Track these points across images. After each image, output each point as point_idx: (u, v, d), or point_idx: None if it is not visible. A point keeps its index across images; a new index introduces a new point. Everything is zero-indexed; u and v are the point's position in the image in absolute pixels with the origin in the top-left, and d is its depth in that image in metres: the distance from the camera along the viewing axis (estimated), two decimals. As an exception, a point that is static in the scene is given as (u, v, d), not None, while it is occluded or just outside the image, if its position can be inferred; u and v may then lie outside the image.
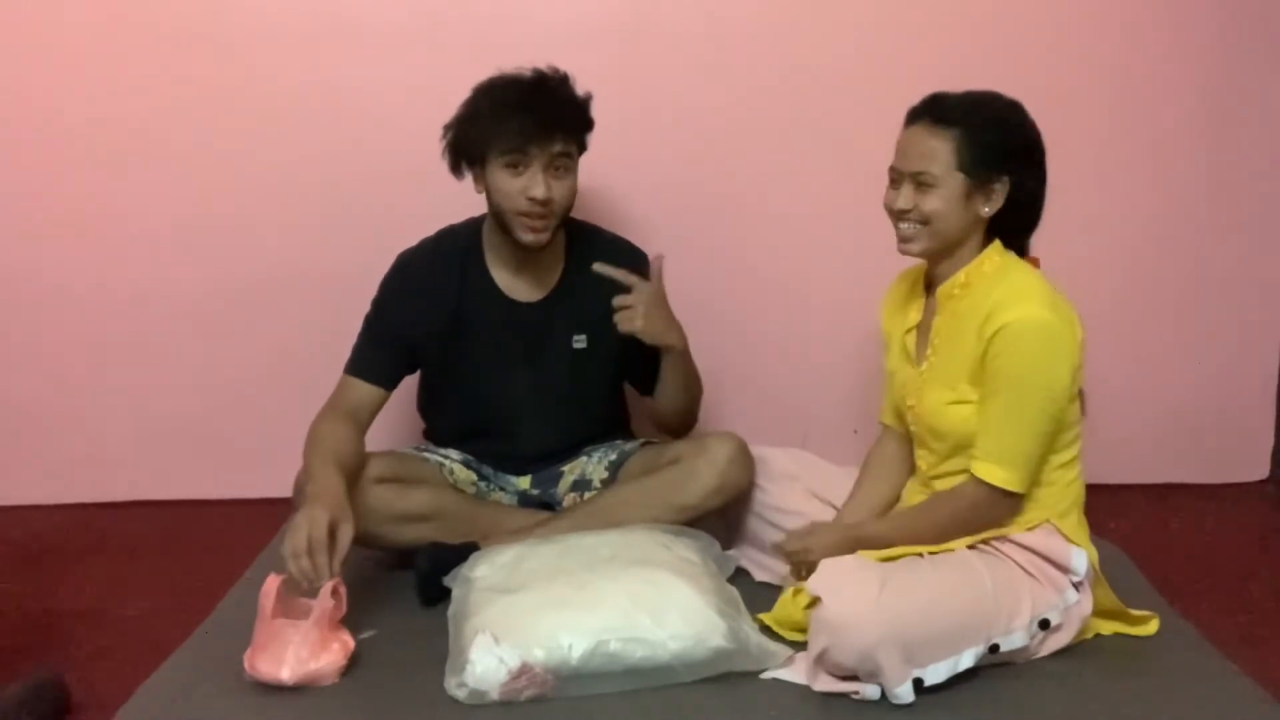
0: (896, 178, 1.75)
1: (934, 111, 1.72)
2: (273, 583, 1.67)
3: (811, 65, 2.54)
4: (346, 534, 1.72)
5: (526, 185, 1.92)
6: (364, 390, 2.03)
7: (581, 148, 2.00)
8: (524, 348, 2.08)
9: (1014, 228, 1.77)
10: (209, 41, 2.49)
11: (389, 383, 2.06)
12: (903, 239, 1.76)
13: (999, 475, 1.69)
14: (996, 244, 1.76)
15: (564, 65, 2.34)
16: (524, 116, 1.90)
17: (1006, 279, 1.72)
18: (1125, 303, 2.64)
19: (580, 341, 2.10)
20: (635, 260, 2.12)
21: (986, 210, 1.72)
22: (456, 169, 2.00)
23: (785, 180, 2.56)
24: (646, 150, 2.53)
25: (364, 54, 2.49)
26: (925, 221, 1.72)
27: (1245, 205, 2.64)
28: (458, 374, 2.10)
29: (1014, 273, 1.73)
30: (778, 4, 2.52)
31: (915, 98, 2.50)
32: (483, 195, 2.00)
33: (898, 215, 1.75)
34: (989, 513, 1.73)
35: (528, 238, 1.97)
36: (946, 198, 1.70)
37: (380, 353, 2.06)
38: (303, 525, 1.69)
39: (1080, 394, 1.78)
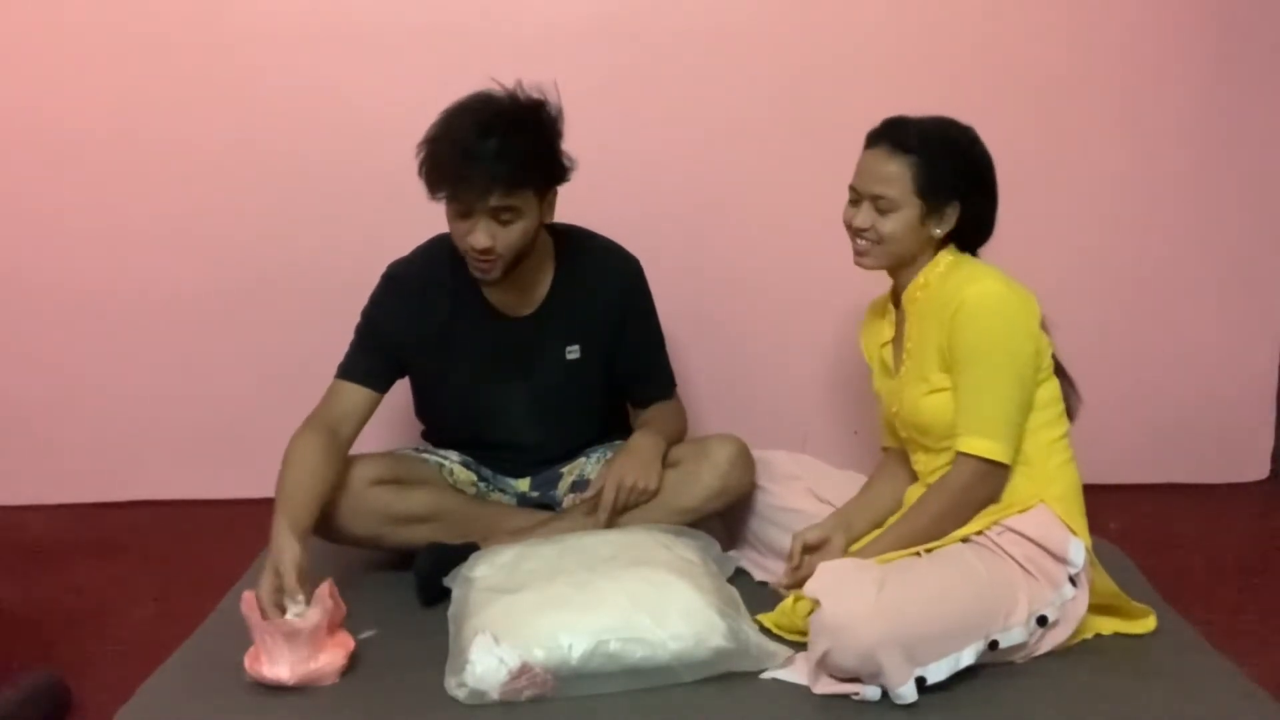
0: (855, 197, 1.83)
1: (893, 137, 1.80)
2: (250, 596, 1.66)
3: (810, 68, 2.54)
4: (325, 591, 1.68)
5: (468, 231, 1.88)
6: (355, 394, 2.01)
7: (542, 190, 1.92)
8: (517, 363, 2.07)
9: (965, 242, 1.85)
10: (209, 43, 2.49)
11: (380, 386, 2.04)
12: (858, 253, 1.85)
13: (983, 446, 1.72)
14: (950, 248, 1.84)
15: (561, 66, 2.34)
16: (463, 169, 1.83)
17: (960, 270, 1.80)
18: (1125, 302, 2.64)
19: (574, 352, 2.08)
20: (625, 266, 2.12)
21: (939, 231, 1.81)
22: (431, 193, 1.94)
23: (785, 181, 2.56)
24: (644, 152, 2.53)
25: (363, 55, 2.49)
26: (880, 241, 1.80)
27: (1244, 205, 2.64)
28: (451, 387, 2.09)
29: (965, 264, 1.82)
30: (773, 7, 2.53)
31: (913, 101, 2.50)
32: None
33: (855, 232, 1.84)
34: (981, 489, 1.75)
35: (476, 275, 1.95)
36: (903, 220, 1.78)
37: (372, 358, 2.04)
38: (266, 604, 1.68)
39: (1069, 380, 1.83)
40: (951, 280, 1.78)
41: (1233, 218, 2.65)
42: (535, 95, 1.92)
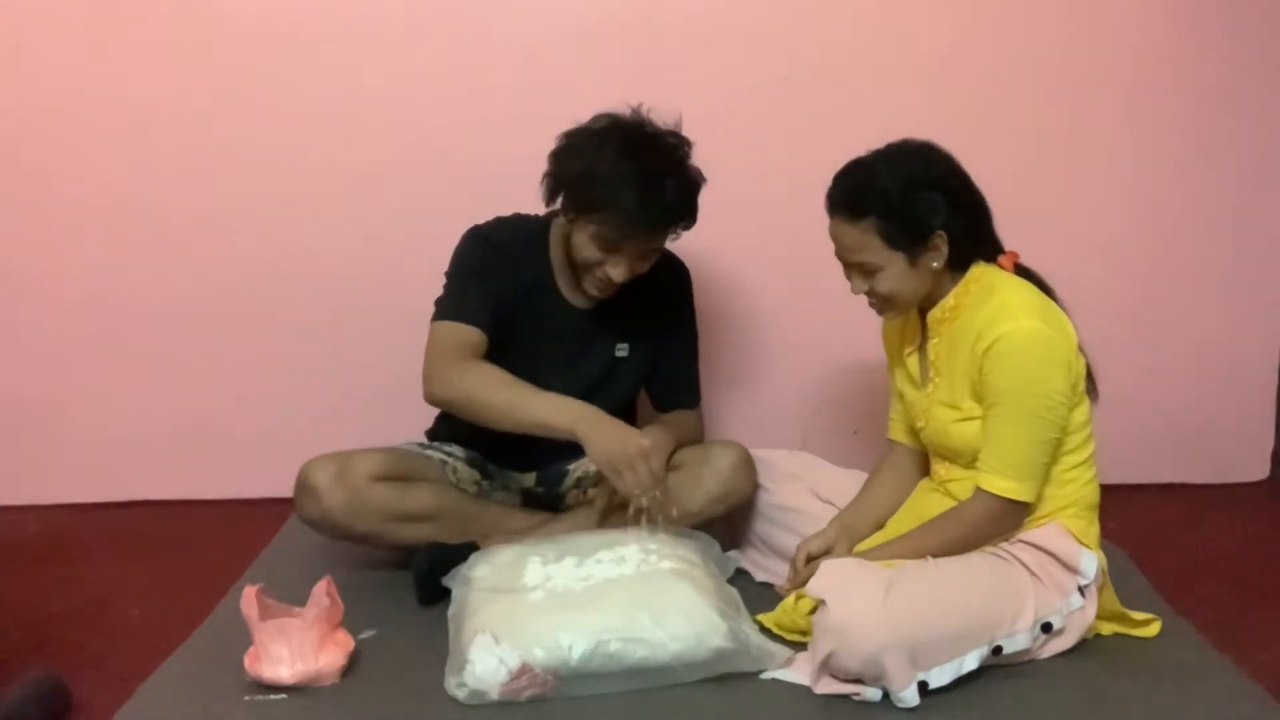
0: (843, 265, 1.79)
1: (846, 203, 1.73)
2: (250, 592, 1.66)
3: (814, 65, 2.54)
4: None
5: (608, 261, 1.91)
6: (472, 335, 1.94)
7: None
8: (569, 353, 2.08)
9: (970, 245, 1.77)
10: (212, 41, 2.49)
11: (489, 328, 1.96)
12: (876, 311, 1.83)
13: (1005, 487, 1.69)
14: (978, 265, 1.78)
15: (563, 65, 2.34)
16: (637, 217, 1.85)
17: (994, 297, 1.73)
18: (1125, 303, 2.64)
19: (622, 350, 2.11)
20: (679, 273, 2.17)
21: (936, 264, 1.75)
22: (551, 201, 1.95)
23: (786, 179, 2.55)
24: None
25: (367, 53, 2.49)
26: (885, 298, 1.77)
27: (1245, 206, 2.64)
28: (504, 356, 2.04)
29: (1000, 289, 1.74)
30: (776, 4, 2.52)
31: (917, 97, 2.52)
32: (550, 210, 1.98)
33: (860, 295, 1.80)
34: (1000, 524, 1.74)
35: (592, 292, 1.99)
36: (894, 275, 1.74)
37: (480, 299, 1.98)
38: (639, 462, 1.77)
39: (1090, 378, 1.78)
40: (985, 309, 1.71)
41: (1233, 218, 2.64)
42: (678, 130, 1.94)
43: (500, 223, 2.08)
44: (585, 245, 1.92)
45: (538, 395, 1.87)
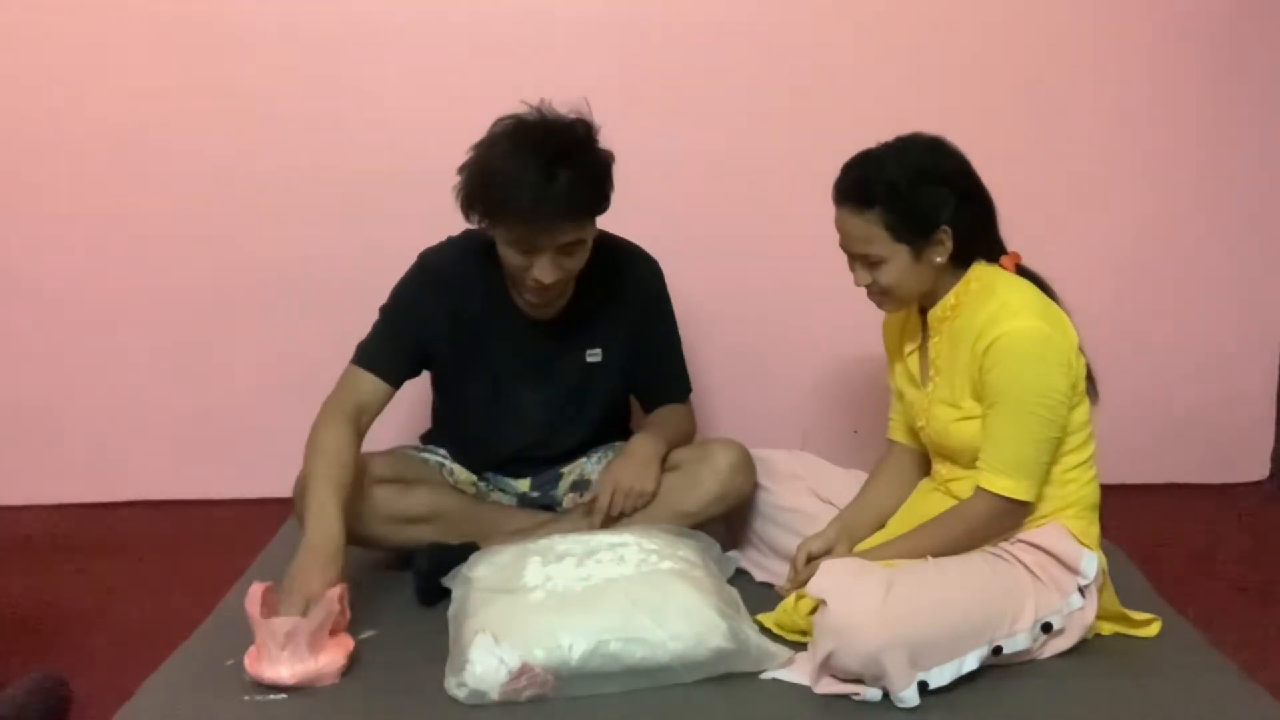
0: (847, 256, 1.79)
1: (853, 194, 1.73)
2: (257, 590, 1.67)
3: (814, 62, 2.54)
4: (335, 594, 1.68)
5: (534, 265, 1.85)
6: (371, 385, 1.96)
7: (600, 212, 1.90)
8: (539, 363, 2.06)
9: (974, 242, 1.77)
10: (213, 40, 2.49)
11: (397, 380, 2.00)
12: (876, 304, 1.83)
13: (1006, 486, 1.69)
14: (979, 264, 1.78)
15: (564, 64, 2.34)
16: (535, 212, 1.77)
17: (994, 295, 1.73)
18: (1125, 303, 2.64)
19: (594, 355, 2.08)
20: (647, 270, 2.12)
21: (940, 259, 1.74)
22: (468, 217, 1.89)
23: (786, 179, 2.56)
24: (646, 150, 2.51)
25: (367, 52, 2.50)
26: (887, 291, 1.77)
27: (1245, 206, 2.64)
28: (471, 386, 2.07)
29: (1001, 288, 1.74)
30: (780, 2, 2.53)
31: (918, 95, 2.52)
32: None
33: (862, 286, 1.80)
34: (1001, 523, 1.74)
35: (533, 312, 1.95)
36: (897, 268, 1.74)
37: (395, 347, 2.00)
38: (299, 597, 1.67)
39: (1090, 380, 1.78)
40: (986, 307, 1.71)
41: (1232, 218, 2.65)
42: (580, 117, 1.87)
43: (450, 245, 2.05)
44: (506, 253, 1.87)
45: (313, 514, 1.79)
